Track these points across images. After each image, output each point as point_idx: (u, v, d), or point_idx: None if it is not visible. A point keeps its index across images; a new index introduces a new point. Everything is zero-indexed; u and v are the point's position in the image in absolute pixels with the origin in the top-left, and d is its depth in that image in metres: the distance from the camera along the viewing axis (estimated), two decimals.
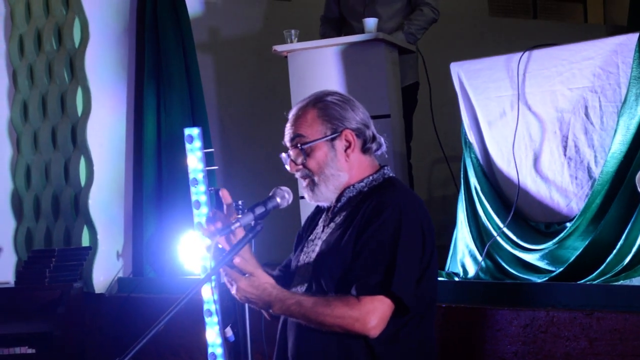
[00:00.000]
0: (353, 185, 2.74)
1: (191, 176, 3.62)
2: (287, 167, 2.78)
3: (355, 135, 2.73)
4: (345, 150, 2.72)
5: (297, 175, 2.77)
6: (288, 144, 2.76)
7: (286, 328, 2.74)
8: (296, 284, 2.75)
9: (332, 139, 2.71)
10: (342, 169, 2.72)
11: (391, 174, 2.79)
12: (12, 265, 5.99)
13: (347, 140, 2.72)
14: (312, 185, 2.74)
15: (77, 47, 5.72)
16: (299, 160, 2.73)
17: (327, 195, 2.74)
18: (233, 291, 2.66)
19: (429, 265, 2.64)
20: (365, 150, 2.76)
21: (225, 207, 2.70)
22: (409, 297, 2.55)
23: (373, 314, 2.53)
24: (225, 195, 2.72)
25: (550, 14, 8.95)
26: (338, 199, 2.76)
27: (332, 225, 2.74)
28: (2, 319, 5.02)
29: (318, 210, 2.90)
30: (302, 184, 2.77)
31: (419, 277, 2.61)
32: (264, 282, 2.64)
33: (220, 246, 2.66)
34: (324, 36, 5.57)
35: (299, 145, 2.72)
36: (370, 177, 2.75)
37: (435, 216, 2.81)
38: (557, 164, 4.03)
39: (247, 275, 2.65)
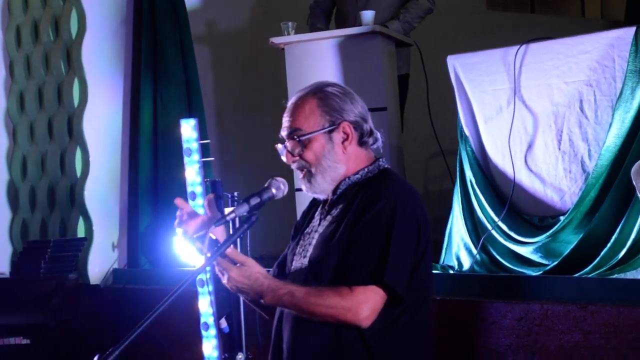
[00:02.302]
0: (349, 177, 2.73)
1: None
2: (284, 158, 2.77)
3: (353, 128, 2.72)
4: (343, 143, 2.71)
5: (294, 166, 2.76)
6: (285, 136, 2.75)
7: (282, 322, 2.74)
8: (292, 277, 2.74)
9: (330, 131, 2.70)
10: (339, 160, 2.71)
11: (386, 166, 2.79)
12: (7, 256, 5.98)
13: (344, 133, 2.71)
14: (309, 177, 2.72)
15: (74, 38, 5.71)
16: (296, 152, 2.72)
17: (323, 187, 2.73)
18: (224, 281, 2.64)
19: (424, 256, 2.63)
20: (362, 143, 2.75)
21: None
22: (402, 287, 2.54)
23: (365, 304, 2.52)
24: (180, 203, 2.75)
25: (548, 8, 8.94)
26: (334, 191, 2.75)
27: (329, 218, 2.73)
28: None
29: (314, 203, 2.89)
30: (299, 175, 2.76)
31: (414, 267, 2.60)
32: (256, 272, 2.62)
33: (213, 237, 2.65)
34: (312, 26, 5.50)
35: (296, 137, 2.71)
36: (366, 169, 2.74)
37: (431, 210, 2.81)
38: (551, 158, 4.03)
39: (238, 265, 2.64)
